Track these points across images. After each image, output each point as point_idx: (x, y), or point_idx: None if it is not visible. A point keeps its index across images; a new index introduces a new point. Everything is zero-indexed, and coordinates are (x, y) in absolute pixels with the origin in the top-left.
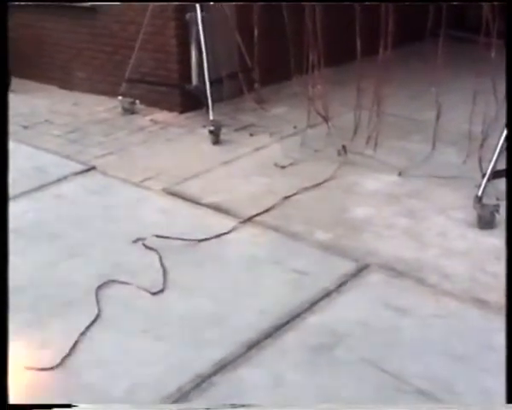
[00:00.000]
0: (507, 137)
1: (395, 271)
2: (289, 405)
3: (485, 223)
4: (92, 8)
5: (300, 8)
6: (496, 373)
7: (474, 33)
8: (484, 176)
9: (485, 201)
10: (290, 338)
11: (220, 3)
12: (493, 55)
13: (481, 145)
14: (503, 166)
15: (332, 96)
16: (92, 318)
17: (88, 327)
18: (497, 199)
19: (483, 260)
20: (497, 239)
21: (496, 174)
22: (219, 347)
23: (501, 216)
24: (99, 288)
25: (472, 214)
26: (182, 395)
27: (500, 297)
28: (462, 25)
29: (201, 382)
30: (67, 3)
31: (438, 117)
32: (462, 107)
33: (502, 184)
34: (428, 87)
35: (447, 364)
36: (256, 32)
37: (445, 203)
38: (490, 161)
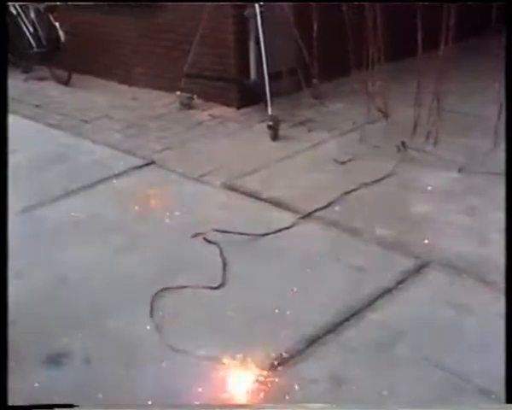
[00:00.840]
0: (506, 137)
1: (456, 268)
2: (349, 401)
3: None
4: (151, 5)
5: (359, 4)
6: None
7: None
8: None
9: None
10: (350, 334)
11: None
12: None
13: None
14: None
15: (391, 92)
16: (153, 312)
17: (148, 319)
18: None
19: None
20: None
21: None
22: (280, 341)
23: None
24: (159, 282)
25: None
26: None
27: None
28: None
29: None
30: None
31: (500, 113)
32: None
33: None
34: (490, 82)
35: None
36: (315, 28)
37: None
38: None
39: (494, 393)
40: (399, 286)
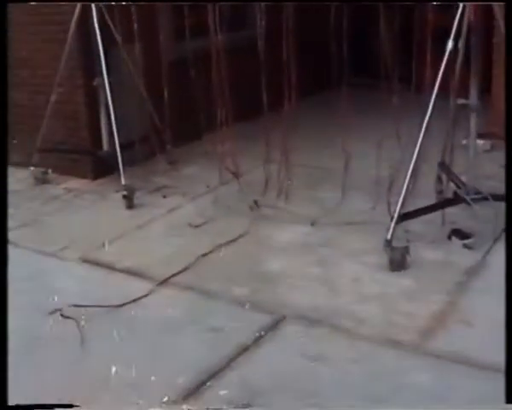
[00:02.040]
0: (506, 137)
1: (311, 320)
2: None
3: (397, 265)
4: None
5: (207, 68)
6: None
7: (376, 80)
8: (392, 219)
9: (394, 243)
10: (210, 396)
11: (128, 68)
12: (395, 100)
13: (389, 189)
14: (409, 208)
15: (242, 152)
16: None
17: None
18: (407, 241)
19: (396, 302)
20: (408, 280)
21: (403, 217)
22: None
23: (411, 257)
24: (17, 365)
25: (384, 258)
26: None
27: (414, 336)
28: (366, 72)
29: None
30: None
31: (346, 165)
32: (371, 153)
33: (410, 225)
34: (336, 136)
35: (367, 407)
36: (166, 94)
37: (357, 249)
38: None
39: None
40: (257, 343)
